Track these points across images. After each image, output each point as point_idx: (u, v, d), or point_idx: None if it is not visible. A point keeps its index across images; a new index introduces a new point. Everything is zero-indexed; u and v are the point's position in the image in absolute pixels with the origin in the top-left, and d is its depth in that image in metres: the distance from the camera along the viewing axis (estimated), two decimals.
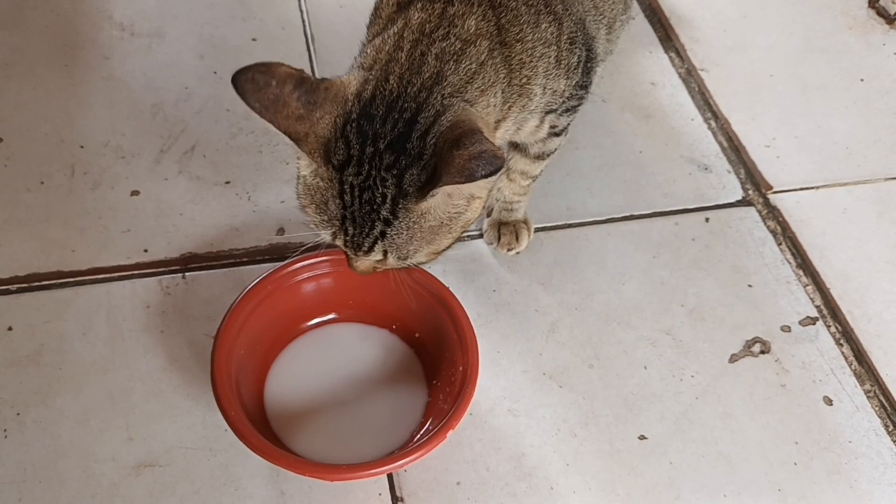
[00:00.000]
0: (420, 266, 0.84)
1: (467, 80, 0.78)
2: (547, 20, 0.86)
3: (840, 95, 1.37)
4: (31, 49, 1.25)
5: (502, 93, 0.82)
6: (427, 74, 0.76)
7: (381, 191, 0.74)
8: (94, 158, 1.13)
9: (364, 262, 0.80)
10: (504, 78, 0.82)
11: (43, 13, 1.30)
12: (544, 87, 0.88)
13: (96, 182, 1.10)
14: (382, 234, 0.76)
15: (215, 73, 1.26)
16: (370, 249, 0.77)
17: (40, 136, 1.14)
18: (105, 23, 1.30)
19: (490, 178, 0.69)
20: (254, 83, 0.70)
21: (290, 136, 0.73)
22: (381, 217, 0.75)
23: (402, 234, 0.76)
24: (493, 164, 0.68)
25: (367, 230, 0.76)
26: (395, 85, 0.75)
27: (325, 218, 0.77)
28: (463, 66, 0.78)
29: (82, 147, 1.14)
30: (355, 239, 0.77)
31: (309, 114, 0.73)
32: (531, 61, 0.84)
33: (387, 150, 0.73)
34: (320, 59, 1.31)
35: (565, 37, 0.89)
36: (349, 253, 0.79)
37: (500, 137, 0.89)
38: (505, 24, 0.82)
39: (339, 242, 0.79)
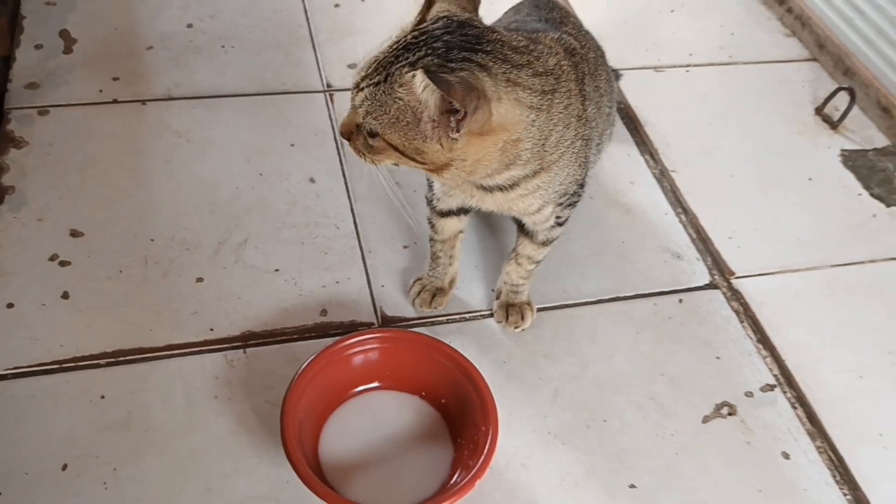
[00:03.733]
0: (380, 161, 0.99)
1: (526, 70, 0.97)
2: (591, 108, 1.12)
3: (793, 193, 1.60)
4: (103, 155, 1.43)
5: (543, 122, 0.99)
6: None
7: (405, 56, 0.92)
8: (163, 250, 1.31)
9: (349, 116, 0.98)
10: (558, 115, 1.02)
11: (110, 122, 1.48)
12: (577, 156, 1.08)
13: (166, 271, 1.28)
14: (376, 84, 0.93)
15: (261, 174, 1.45)
16: (360, 90, 0.95)
17: (116, 231, 1.32)
18: (165, 131, 1.49)
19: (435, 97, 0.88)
20: None
21: None
22: (385, 74, 0.92)
23: (383, 95, 0.92)
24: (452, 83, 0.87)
25: (374, 76, 0.94)
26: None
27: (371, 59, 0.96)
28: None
29: (152, 240, 1.32)
30: (362, 81, 0.95)
31: None
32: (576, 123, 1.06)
33: (443, 46, 0.92)
34: (349, 160, 1.50)
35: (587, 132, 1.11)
36: (352, 93, 0.97)
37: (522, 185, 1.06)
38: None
39: (357, 78, 0.96)
